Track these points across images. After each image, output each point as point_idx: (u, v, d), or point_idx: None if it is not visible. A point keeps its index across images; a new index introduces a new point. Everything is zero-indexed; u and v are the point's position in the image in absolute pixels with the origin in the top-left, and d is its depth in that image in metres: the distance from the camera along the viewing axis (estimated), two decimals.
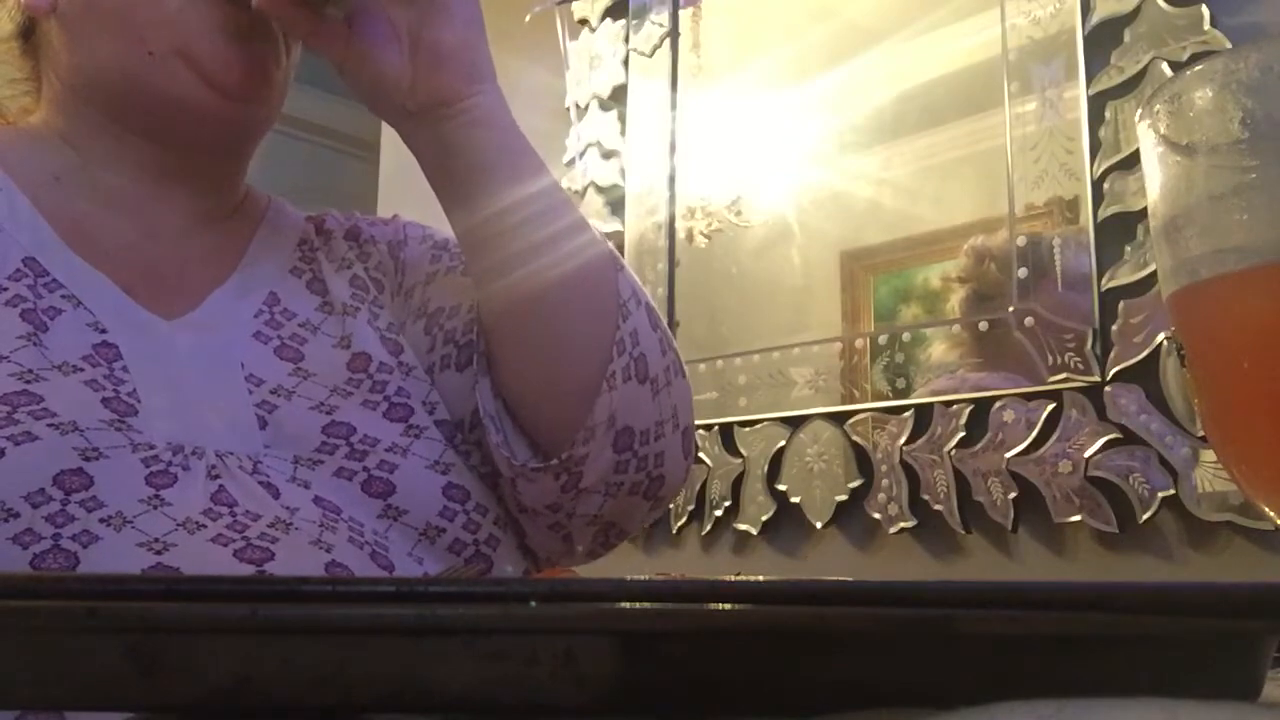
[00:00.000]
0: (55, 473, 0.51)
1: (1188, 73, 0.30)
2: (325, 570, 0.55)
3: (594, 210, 1.80)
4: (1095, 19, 1.27)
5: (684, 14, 1.75)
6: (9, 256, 0.61)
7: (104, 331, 0.60)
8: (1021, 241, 1.30)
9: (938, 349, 1.38)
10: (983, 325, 1.34)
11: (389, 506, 0.60)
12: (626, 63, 1.81)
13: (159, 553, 0.51)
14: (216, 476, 0.56)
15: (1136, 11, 1.23)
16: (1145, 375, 1.19)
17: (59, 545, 0.50)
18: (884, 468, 1.38)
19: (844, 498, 1.42)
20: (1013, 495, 1.26)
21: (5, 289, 0.59)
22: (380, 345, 0.68)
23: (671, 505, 1.58)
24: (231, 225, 0.72)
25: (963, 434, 1.31)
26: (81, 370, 0.57)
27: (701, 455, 1.57)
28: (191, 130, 0.67)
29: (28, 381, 0.54)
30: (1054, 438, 1.24)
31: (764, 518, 1.50)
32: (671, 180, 1.71)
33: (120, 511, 0.52)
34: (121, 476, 0.53)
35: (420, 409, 0.66)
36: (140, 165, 0.67)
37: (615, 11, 1.84)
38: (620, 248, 1.76)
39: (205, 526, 0.53)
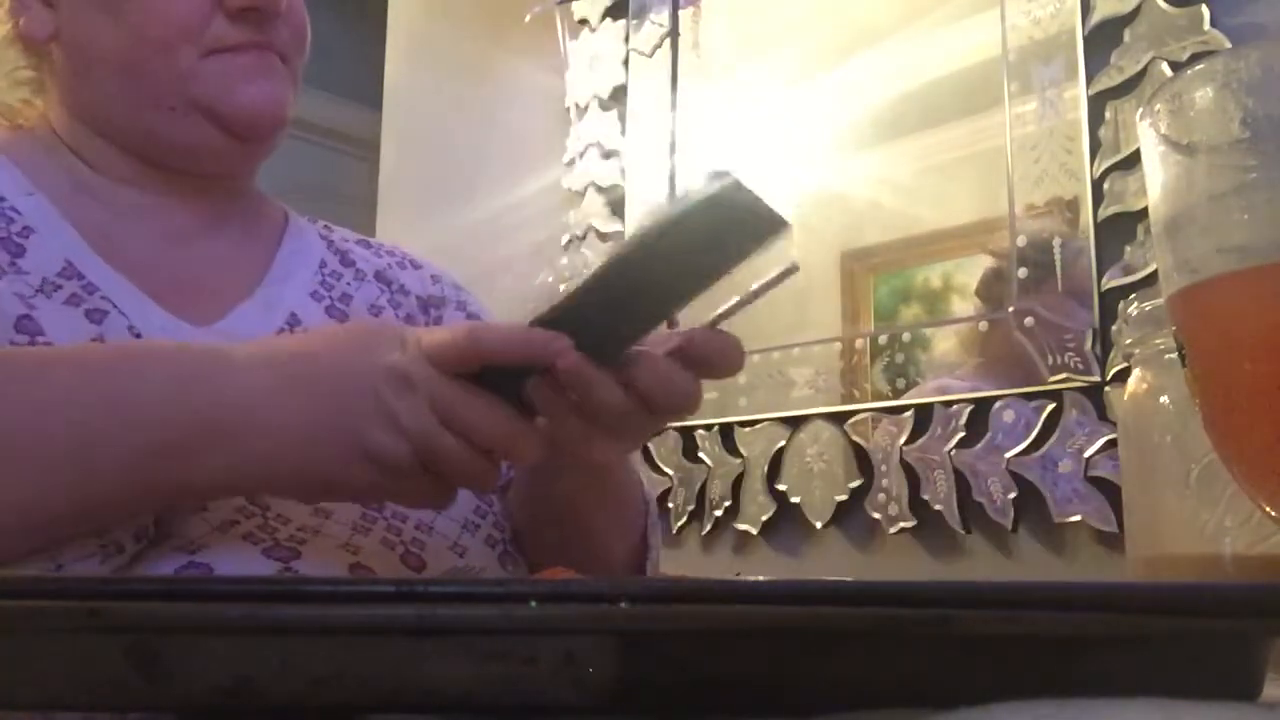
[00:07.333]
0: None
1: (1188, 72, 0.30)
2: (349, 572, 0.56)
3: (594, 210, 1.80)
4: (1095, 19, 1.26)
5: (684, 14, 1.74)
6: (53, 256, 0.61)
7: (139, 336, 0.60)
8: (1021, 241, 1.29)
9: (939, 348, 1.38)
10: (983, 325, 1.34)
11: None
12: (626, 63, 1.80)
13: (193, 552, 0.52)
14: None
15: (1136, 11, 1.23)
16: None
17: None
18: (884, 468, 1.38)
19: (844, 498, 1.41)
20: (1013, 495, 1.26)
21: (61, 287, 0.60)
22: None
23: (672, 505, 1.58)
24: (251, 229, 0.73)
25: (963, 434, 1.31)
26: None
27: (701, 455, 1.57)
28: (203, 165, 0.69)
29: None
30: (1054, 438, 1.24)
31: (764, 518, 1.50)
32: (671, 180, 1.71)
33: (159, 517, 0.53)
34: None
35: None
36: (147, 180, 0.68)
37: (615, 11, 1.84)
38: None
39: (238, 523, 0.55)
